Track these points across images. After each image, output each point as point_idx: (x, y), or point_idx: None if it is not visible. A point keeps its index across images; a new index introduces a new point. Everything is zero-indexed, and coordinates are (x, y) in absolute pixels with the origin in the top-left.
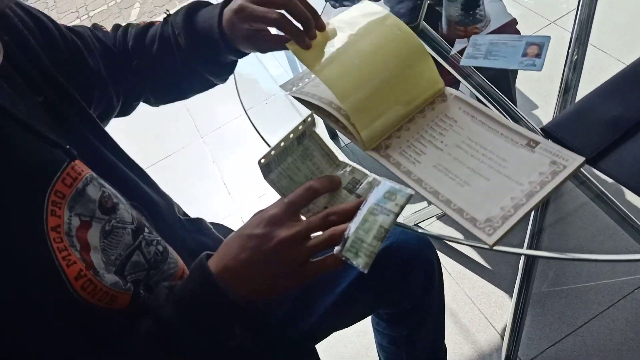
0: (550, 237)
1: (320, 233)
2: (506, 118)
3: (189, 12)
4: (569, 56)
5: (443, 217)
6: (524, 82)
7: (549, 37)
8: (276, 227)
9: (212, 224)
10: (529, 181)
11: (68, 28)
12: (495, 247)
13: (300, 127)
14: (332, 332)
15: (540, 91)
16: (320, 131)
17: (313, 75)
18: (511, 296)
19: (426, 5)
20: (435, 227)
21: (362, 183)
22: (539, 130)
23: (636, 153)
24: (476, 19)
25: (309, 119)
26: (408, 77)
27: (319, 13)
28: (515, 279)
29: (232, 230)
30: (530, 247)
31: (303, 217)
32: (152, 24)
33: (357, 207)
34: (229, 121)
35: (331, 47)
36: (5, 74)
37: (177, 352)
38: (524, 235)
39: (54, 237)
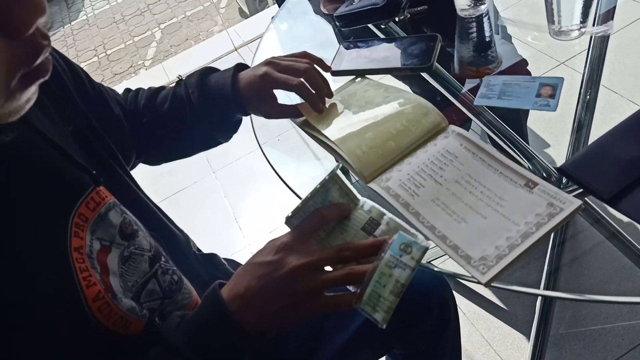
0: (567, 276)
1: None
2: (519, 157)
3: (203, 74)
4: (582, 96)
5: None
6: (536, 121)
7: (562, 78)
8: (288, 254)
9: (225, 259)
10: (525, 222)
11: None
12: (514, 288)
13: (327, 177)
14: None
15: (552, 130)
16: (330, 161)
17: None
18: (528, 338)
19: (439, 46)
20: (448, 266)
21: (380, 224)
22: (552, 168)
23: None
24: (488, 60)
25: (335, 169)
26: (410, 127)
27: (332, 55)
28: (532, 320)
29: None
30: (547, 287)
31: None
32: (163, 87)
33: (371, 246)
34: (241, 157)
35: (335, 110)
36: (39, 103)
37: None
38: (541, 275)
39: (77, 257)
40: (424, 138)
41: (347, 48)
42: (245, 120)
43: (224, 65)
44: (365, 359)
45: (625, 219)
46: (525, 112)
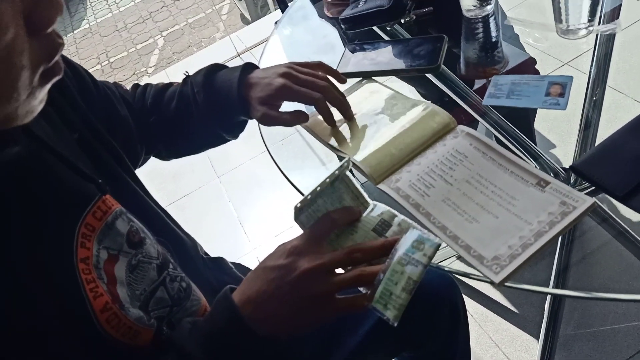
0: (575, 276)
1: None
2: (526, 157)
3: (209, 73)
4: (589, 95)
5: (461, 258)
6: (541, 121)
7: (571, 77)
8: (299, 257)
9: (232, 263)
10: (538, 220)
11: (98, 80)
12: (523, 286)
13: (337, 171)
14: None
15: (557, 130)
16: (335, 164)
17: None
18: (537, 339)
19: (446, 47)
20: (456, 268)
21: (391, 225)
22: (560, 168)
23: None
24: (494, 60)
25: (345, 163)
26: (419, 128)
27: (338, 58)
28: (540, 321)
29: (251, 270)
30: (556, 286)
31: None
32: (170, 84)
33: (382, 247)
34: (245, 162)
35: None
36: (44, 112)
37: None
38: (549, 275)
39: (83, 269)
40: (433, 139)
41: (353, 51)
42: (248, 126)
43: None
44: None
45: (633, 217)
46: (534, 113)
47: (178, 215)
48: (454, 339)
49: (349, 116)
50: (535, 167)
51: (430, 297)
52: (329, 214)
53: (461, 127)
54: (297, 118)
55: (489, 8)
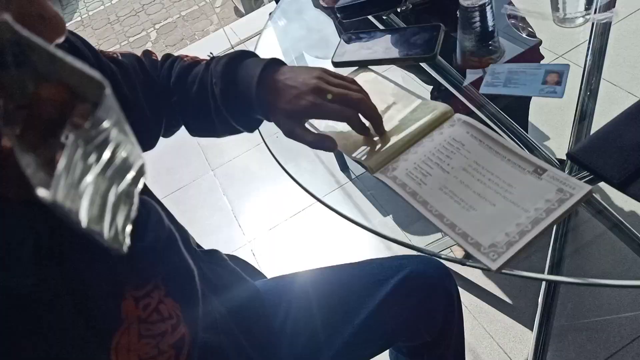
0: (569, 268)
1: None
2: (521, 148)
3: (230, 63)
4: (584, 84)
5: (457, 248)
6: (535, 114)
7: (568, 65)
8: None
9: (227, 255)
10: (535, 208)
11: (111, 57)
12: (518, 272)
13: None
14: None
15: (552, 123)
16: (330, 160)
17: None
18: (530, 330)
19: (442, 36)
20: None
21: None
22: (555, 159)
23: None
24: (490, 50)
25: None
26: (415, 117)
27: (334, 49)
28: (534, 312)
29: (246, 262)
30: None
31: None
32: (198, 62)
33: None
34: (239, 154)
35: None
36: None
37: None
38: (543, 267)
39: None
40: (430, 127)
41: (349, 40)
42: None
43: None
44: (370, 352)
45: (627, 208)
46: (528, 104)
47: (171, 209)
48: (449, 329)
49: (380, 132)
50: None
51: (425, 286)
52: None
53: (458, 115)
54: (322, 143)
55: None
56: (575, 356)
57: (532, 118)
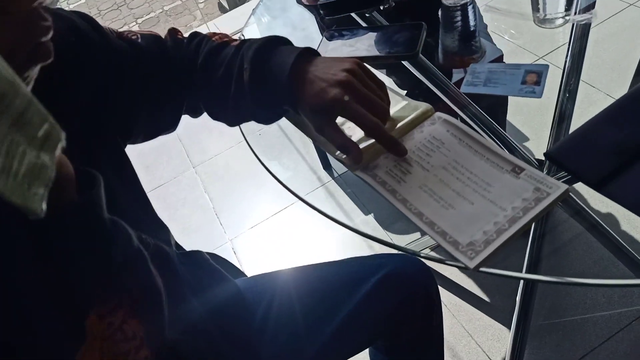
0: (546, 268)
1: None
2: (501, 148)
3: (263, 48)
4: (564, 87)
5: (437, 248)
6: (515, 115)
7: (547, 66)
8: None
9: (209, 254)
10: (513, 207)
11: (128, 39)
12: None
13: None
14: None
15: (531, 124)
16: (313, 158)
17: None
18: (509, 329)
19: (424, 34)
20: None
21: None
22: (534, 160)
23: None
24: (472, 49)
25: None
26: (396, 115)
27: (316, 46)
28: (512, 311)
29: (227, 261)
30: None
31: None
32: (227, 43)
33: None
34: (221, 152)
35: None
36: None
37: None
38: (521, 268)
39: None
40: (411, 126)
41: (331, 37)
42: None
43: None
44: (349, 350)
45: (604, 210)
46: (506, 106)
47: (153, 206)
48: (429, 328)
49: (401, 154)
50: None
51: (405, 285)
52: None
53: (439, 113)
54: (348, 150)
55: None
56: (552, 354)
57: (512, 118)
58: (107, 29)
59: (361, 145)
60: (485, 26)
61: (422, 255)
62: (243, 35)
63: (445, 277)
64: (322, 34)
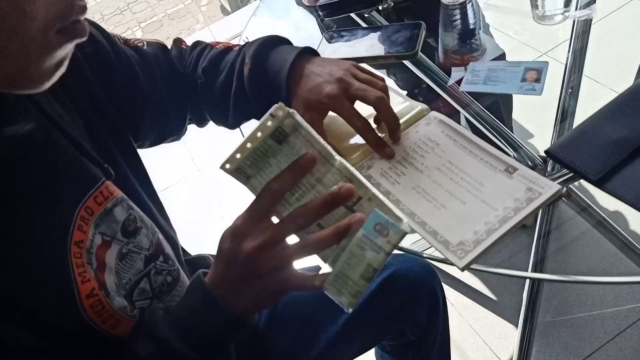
0: (553, 265)
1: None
2: (506, 147)
3: (265, 45)
4: (566, 83)
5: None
6: (519, 112)
7: (547, 63)
8: (242, 239)
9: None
10: (504, 206)
11: (135, 46)
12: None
13: (270, 123)
14: None
15: (535, 120)
16: None
17: None
18: (516, 327)
19: (424, 34)
20: (435, 255)
21: (361, 199)
22: (539, 157)
23: None
24: (472, 48)
25: (280, 112)
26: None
27: (316, 47)
28: (519, 309)
29: None
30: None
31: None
32: (229, 49)
33: (324, 203)
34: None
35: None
36: (58, 98)
37: None
38: (527, 266)
39: (75, 252)
40: (407, 126)
41: (330, 38)
42: None
43: None
44: (355, 351)
45: (610, 206)
46: (510, 104)
47: None
48: (434, 328)
49: (396, 138)
50: (514, 157)
51: (410, 285)
52: (268, 185)
53: (434, 113)
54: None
55: None
56: (559, 352)
57: (516, 116)
58: (114, 36)
59: (352, 147)
60: (487, 26)
61: (424, 255)
62: (244, 37)
63: (452, 276)
64: (321, 35)
